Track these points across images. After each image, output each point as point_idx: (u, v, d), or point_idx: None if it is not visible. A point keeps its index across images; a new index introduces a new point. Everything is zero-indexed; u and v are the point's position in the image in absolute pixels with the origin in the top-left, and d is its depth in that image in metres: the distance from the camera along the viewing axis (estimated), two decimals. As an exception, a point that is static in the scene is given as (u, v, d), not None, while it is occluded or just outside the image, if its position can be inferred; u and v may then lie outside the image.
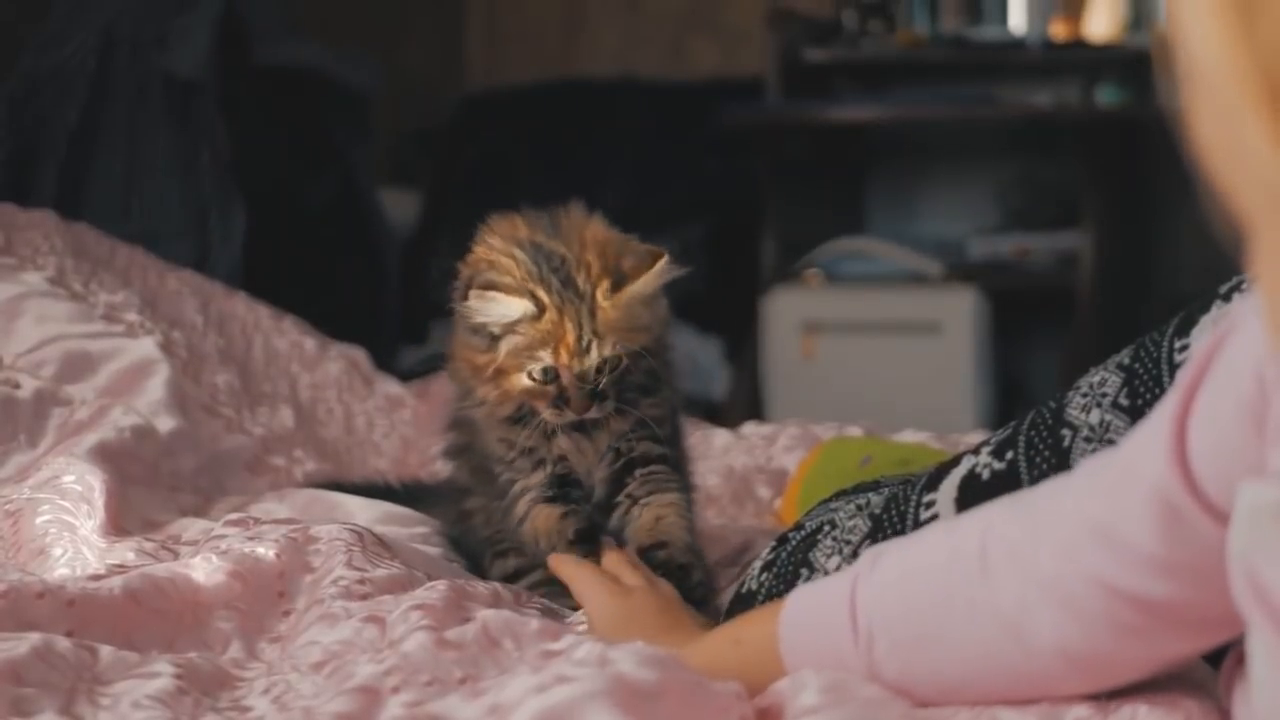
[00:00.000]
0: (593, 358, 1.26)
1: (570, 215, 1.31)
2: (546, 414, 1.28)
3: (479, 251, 1.29)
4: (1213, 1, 0.53)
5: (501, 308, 1.25)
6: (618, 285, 1.26)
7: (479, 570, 1.39)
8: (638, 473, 1.33)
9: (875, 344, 3.52)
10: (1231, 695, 0.91)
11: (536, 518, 1.33)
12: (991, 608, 0.91)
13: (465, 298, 1.27)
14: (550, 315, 1.25)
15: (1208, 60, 0.54)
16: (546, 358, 1.25)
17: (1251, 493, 0.75)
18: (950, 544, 0.96)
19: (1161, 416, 0.84)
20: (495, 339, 1.27)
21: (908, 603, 0.96)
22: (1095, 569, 0.86)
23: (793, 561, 1.23)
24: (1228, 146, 0.54)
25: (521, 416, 1.30)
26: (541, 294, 1.25)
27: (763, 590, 1.23)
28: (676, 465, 1.38)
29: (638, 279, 1.27)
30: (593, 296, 1.26)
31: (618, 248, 1.29)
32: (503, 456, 1.33)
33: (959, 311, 3.49)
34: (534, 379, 1.26)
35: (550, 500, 1.33)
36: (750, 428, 2.10)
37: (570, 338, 1.25)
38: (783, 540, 1.27)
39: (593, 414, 1.28)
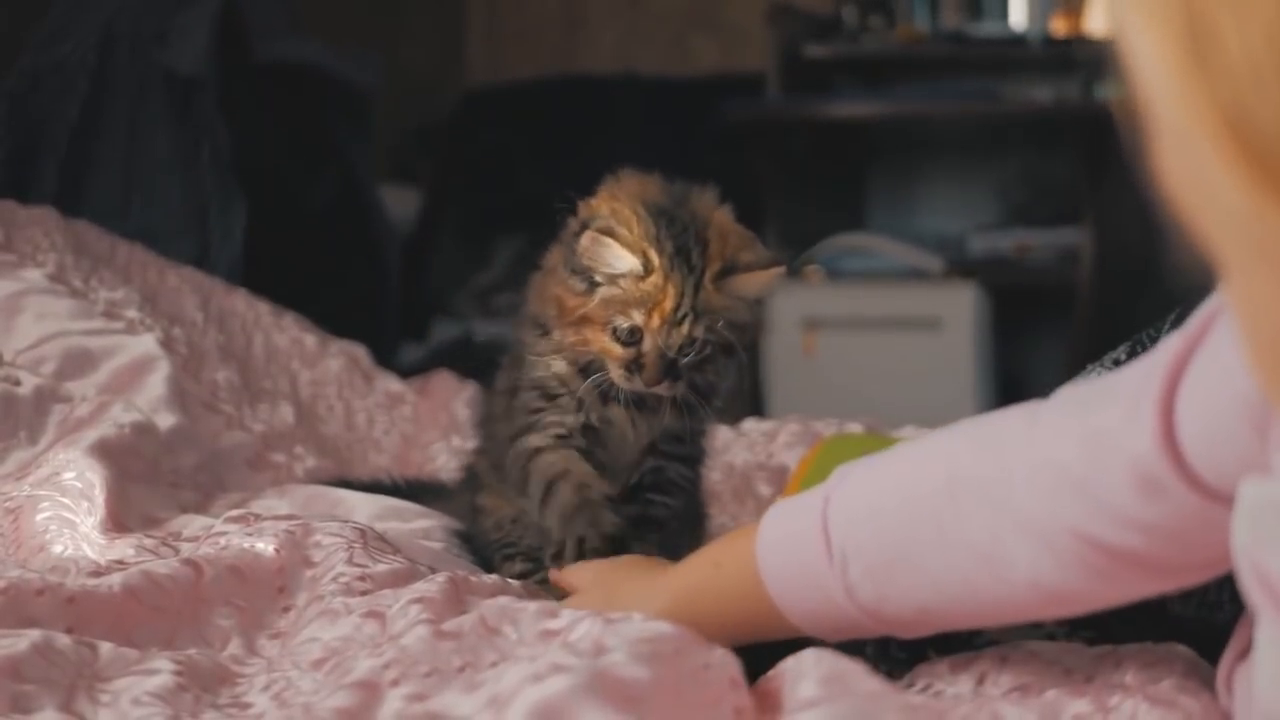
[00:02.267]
0: (683, 332, 1.24)
1: (702, 195, 1.29)
2: (616, 375, 1.25)
3: (603, 197, 1.27)
4: (1162, 36, 0.51)
5: (611, 256, 1.23)
6: (726, 273, 1.25)
7: (487, 565, 1.39)
8: (649, 497, 1.33)
9: (876, 340, 3.52)
10: (1231, 692, 0.91)
11: (563, 460, 1.30)
12: (963, 538, 0.93)
13: (579, 236, 1.24)
14: (655, 278, 1.23)
15: (1161, 96, 0.52)
16: (637, 318, 1.23)
17: (1255, 489, 0.75)
18: (916, 472, 0.97)
19: (1146, 389, 0.84)
20: (594, 285, 1.25)
21: (878, 528, 0.97)
22: (1071, 518, 0.87)
23: None
24: (1190, 181, 0.53)
25: (589, 369, 1.28)
26: (653, 255, 1.23)
27: None
28: (692, 486, 1.38)
29: (748, 274, 1.25)
30: (702, 273, 1.24)
31: (740, 240, 1.27)
32: (550, 390, 1.31)
33: (960, 307, 3.49)
34: (617, 337, 1.24)
35: (572, 449, 1.31)
36: (750, 424, 2.10)
37: (668, 305, 1.23)
38: None
39: (662, 390, 1.25)
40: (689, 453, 1.35)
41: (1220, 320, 0.82)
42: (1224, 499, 0.79)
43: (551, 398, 1.31)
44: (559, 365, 1.30)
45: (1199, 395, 0.82)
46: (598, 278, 1.24)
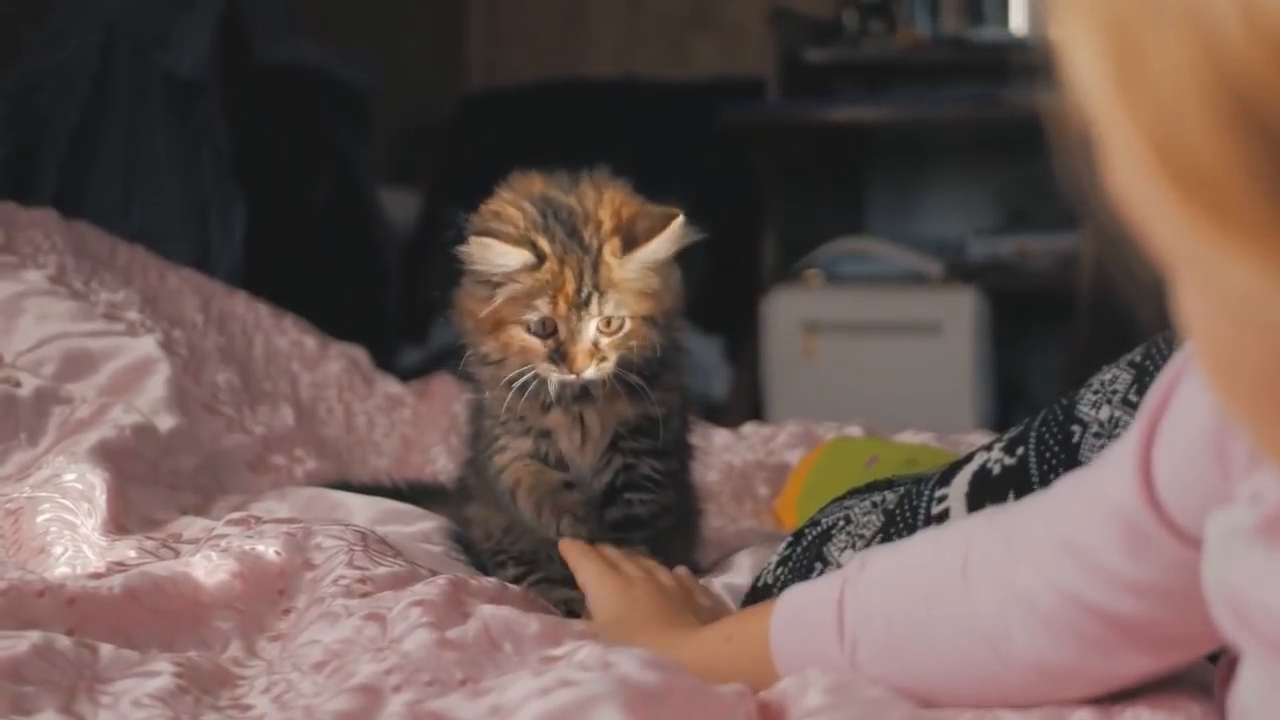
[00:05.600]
0: (593, 312, 1.24)
1: (591, 177, 1.30)
2: (543, 370, 1.26)
3: (491, 203, 1.28)
4: (1093, 47, 0.50)
5: (496, 255, 1.23)
6: (629, 246, 1.25)
7: (484, 572, 1.39)
8: (627, 496, 1.33)
9: (875, 344, 3.52)
10: (1226, 696, 0.91)
11: (518, 470, 1.32)
12: (971, 619, 0.93)
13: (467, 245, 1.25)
14: (550, 265, 1.23)
15: (1094, 106, 0.51)
16: (544, 308, 1.23)
17: (1221, 519, 0.76)
18: (935, 553, 0.97)
19: (1128, 441, 0.84)
20: (495, 287, 1.25)
21: (892, 609, 0.97)
22: (1066, 584, 0.87)
23: (807, 556, 1.24)
24: (1135, 196, 0.53)
25: (524, 384, 1.28)
26: (543, 243, 1.23)
27: (778, 584, 1.25)
28: (676, 482, 1.37)
29: (649, 241, 1.25)
30: (599, 251, 1.24)
31: (633, 210, 1.27)
32: (496, 414, 1.32)
33: (959, 312, 3.49)
34: (531, 330, 1.24)
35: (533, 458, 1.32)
36: (750, 428, 2.10)
37: (569, 288, 1.23)
38: (799, 536, 1.28)
39: (590, 374, 1.25)
40: (658, 446, 1.34)
41: (1191, 367, 0.82)
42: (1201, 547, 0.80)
43: (501, 422, 1.32)
44: (494, 386, 1.31)
45: (1171, 439, 0.82)
46: (495, 279, 1.25)
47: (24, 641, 1.04)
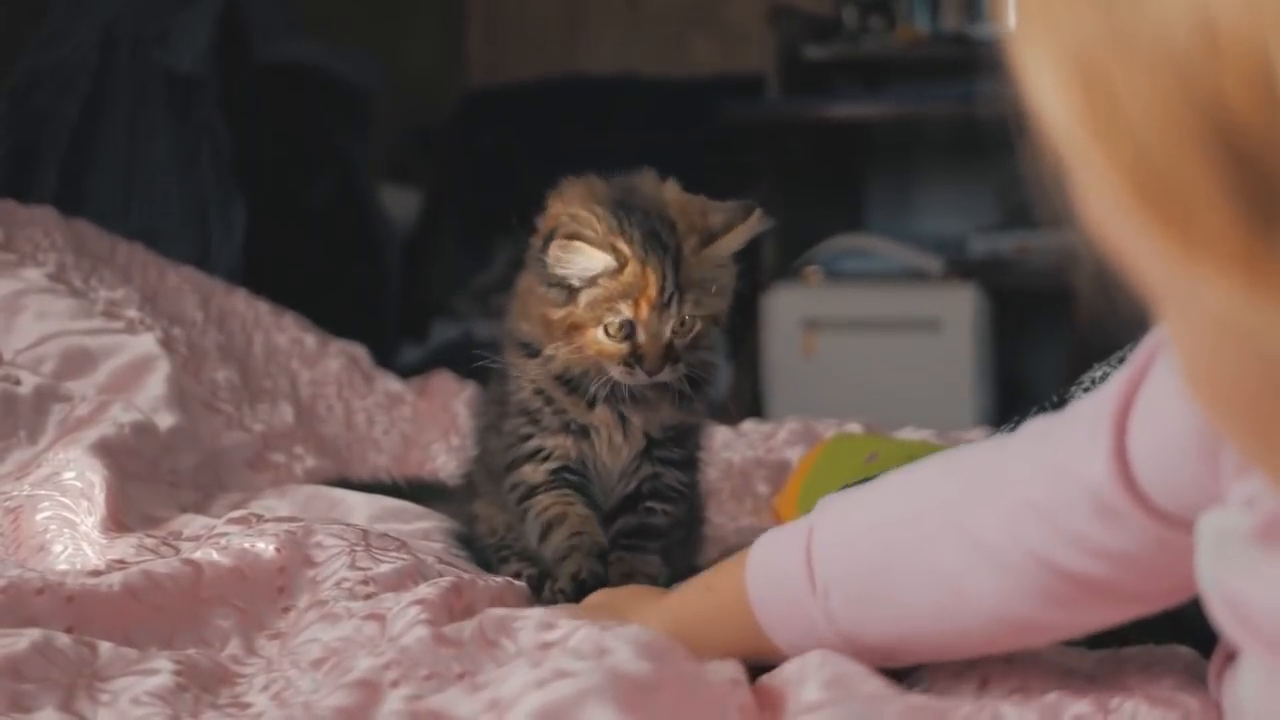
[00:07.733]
0: (672, 313, 1.23)
1: (645, 178, 1.29)
2: (616, 372, 1.25)
3: (556, 208, 1.27)
4: (1057, 80, 0.50)
5: (584, 259, 1.22)
6: (706, 241, 1.25)
7: (487, 568, 1.39)
8: (649, 505, 1.32)
9: (875, 341, 3.52)
10: (1221, 687, 0.91)
11: (550, 505, 1.30)
12: (935, 567, 0.94)
13: (545, 249, 1.24)
14: (632, 268, 1.22)
15: (1061, 136, 0.51)
16: (626, 311, 1.23)
17: (1215, 520, 0.76)
18: (896, 502, 0.98)
19: (1100, 419, 0.84)
20: (573, 292, 1.24)
21: (857, 558, 0.98)
22: (1032, 544, 0.88)
23: None
24: (1112, 225, 0.52)
25: (575, 383, 1.28)
26: (623, 247, 1.22)
27: None
28: (691, 493, 1.37)
29: (729, 233, 1.25)
30: (677, 250, 1.23)
31: (701, 205, 1.27)
32: (534, 411, 1.31)
33: (959, 309, 3.48)
34: (610, 334, 1.24)
35: (567, 485, 1.30)
36: (750, 425, 2.10)
37: (652, 291, 1.23)
38: None
39: (665, 376, 1.25)
40: (684, 457, 1.34)
41: (1165, 351, 0.82)
42: (1182, 525, 0.80)
43: (536, 421, 1.31)
44: (542, 379, 1.29)
45: (1149, 422, 0.82)
46: (575, 283, 1.24)
47: (23, 639, 1.04)
